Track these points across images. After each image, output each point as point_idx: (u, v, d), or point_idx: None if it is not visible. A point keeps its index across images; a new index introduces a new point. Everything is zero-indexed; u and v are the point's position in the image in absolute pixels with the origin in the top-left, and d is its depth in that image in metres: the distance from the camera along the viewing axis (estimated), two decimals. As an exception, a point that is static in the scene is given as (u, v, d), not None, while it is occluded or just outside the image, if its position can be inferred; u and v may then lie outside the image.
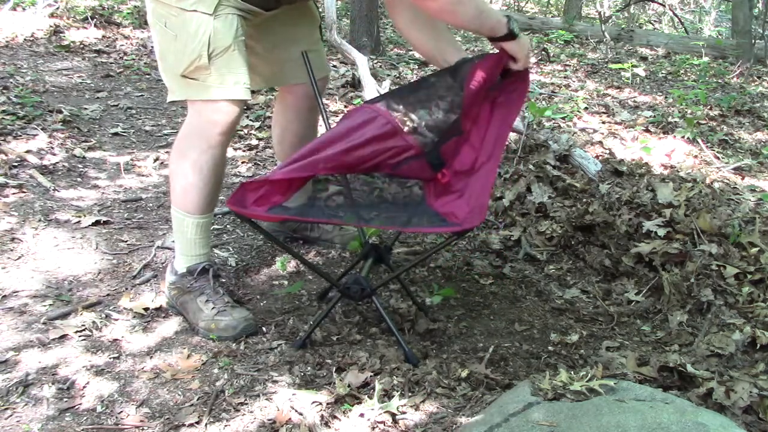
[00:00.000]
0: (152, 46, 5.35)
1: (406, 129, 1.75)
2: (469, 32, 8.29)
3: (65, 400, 1.60)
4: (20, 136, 3.21)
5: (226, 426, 1.53)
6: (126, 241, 2.39)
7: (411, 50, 6.60)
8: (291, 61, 2.04)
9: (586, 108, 4.78)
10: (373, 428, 1.52)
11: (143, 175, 3.01)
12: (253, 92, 1.89)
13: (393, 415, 1.54)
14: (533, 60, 6.79)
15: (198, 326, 1.88)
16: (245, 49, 1.82)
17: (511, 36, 1.74)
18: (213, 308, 1.88)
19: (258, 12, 1.86)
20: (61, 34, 5.38)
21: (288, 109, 2.25)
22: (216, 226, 2.55)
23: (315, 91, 2.01)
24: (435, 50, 1.88)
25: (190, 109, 1.87)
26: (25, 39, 5.13)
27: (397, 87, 1.88)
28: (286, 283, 2.19)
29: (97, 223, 2.50)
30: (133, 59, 5.07)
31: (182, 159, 1.87)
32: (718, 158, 3.75)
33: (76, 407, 1.58)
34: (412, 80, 5.18)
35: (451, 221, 1.72)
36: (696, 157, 3.75)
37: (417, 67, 5.79)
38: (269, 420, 1.54)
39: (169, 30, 1.77)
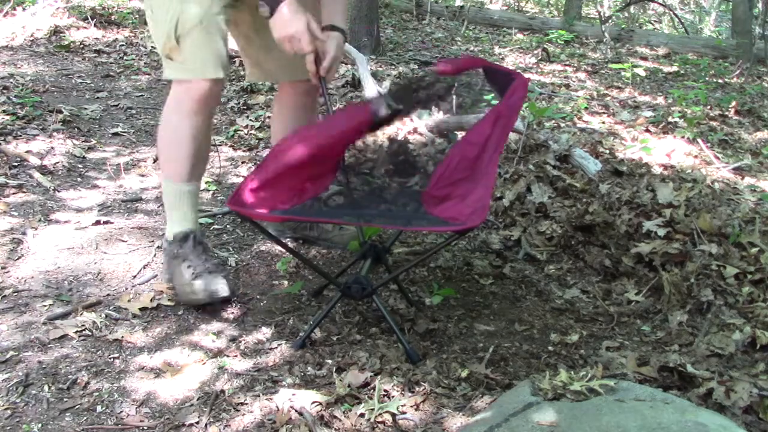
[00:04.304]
0: (152, 46, 5.37)
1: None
2: (466, 32, 8.28)
3: (65, 400, 1.60)
4: (20, 136, 3.21)
5: (226, 426, 1.53)
6: (126, 241, 2.39)
7: (411, 50, 6.61)
8: (288, 59, 2.05)
9: (586, 108, 4.78)
10: (373, 428, 1.52)
11: (143, 175, 3.01)
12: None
13: (393, 415, 1.54)
14: (533, 59, 6.78)
15: (178, 290, 1.97)
16: (221, 28, 1.90)
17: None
18: (192, 273, 1.95)
19: None
20: (61, 34, 5.38)
21: (284, 106, 2.29)
22: (216, 226, 2.55)
23: (328, 104, 2.05)
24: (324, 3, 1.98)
25: (172, 85, 2.02)
26: (25, 39, 5.14)
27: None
28: (286, 283, 2.19)
29: (97, 223, 2.50)
30: (133, 59, 5.07)
31: (163, 130, 2.01)
32: (718, 158, 3.75)
33: (76, 407, 1.58)
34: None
35: (453, 222, 1.74)
36: (696, 157, 3.75)
37: (417, 66, 5.79)
38: (269, 420, 1.54)
39: (151, 14, 1.91)
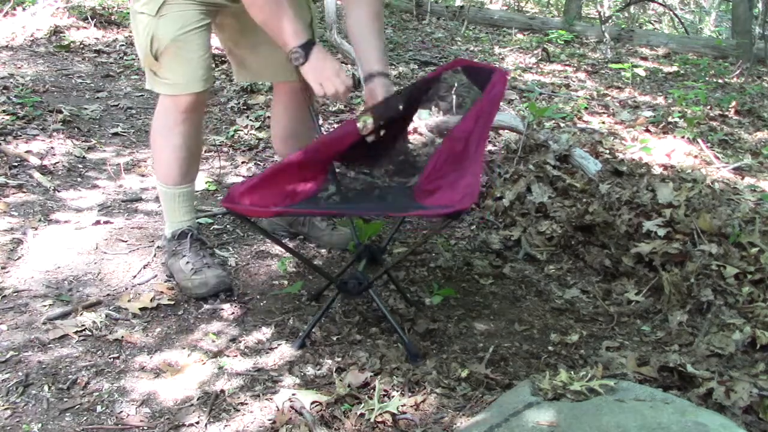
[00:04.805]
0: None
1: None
2: (466, 32, 8.29)
3: (65, 400, 1.60)
4: (20, 136, 3.21)
5: (226, 426, 1.53)
6: (126, 241, 2.39)
7: (411, 50, 6.61)
8: (275, 60, 2.05)
9: (586, 108, 4.78)
10: (373, 428, 1.52)
11: (143, 175, 3.01)
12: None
13: (393, 415, 1.54)
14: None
15: (180, 285, 2.04)
16: (200, 42, 1.92)
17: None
18: (191, 268, 2.04)
19: (220, 3, 1.94)
20: (61, 34, 5.37)
21: (276, 104, 2.32)
22: (216, 226, 2.55)
23: (313, 119, 2.07)
24: (357, 49, 1.95)
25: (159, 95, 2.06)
26: (25, 39, 5.13)
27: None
28: (286, 283, 2.19)
29: (97, 223, 2.50)
30: (133, 59, 5.07)
31: (154, 137, 2.08)
32: (718, 158, 3.75)
33: (76, 407, 1.58)
34: (411, 80, 5.18)
35: (444, 206, 1.75)
36: (696, 157, 3.75)
37: (417, 66, 5.79)
38: (269, 420, 1.54)
39: (135, 26, 1.95)
